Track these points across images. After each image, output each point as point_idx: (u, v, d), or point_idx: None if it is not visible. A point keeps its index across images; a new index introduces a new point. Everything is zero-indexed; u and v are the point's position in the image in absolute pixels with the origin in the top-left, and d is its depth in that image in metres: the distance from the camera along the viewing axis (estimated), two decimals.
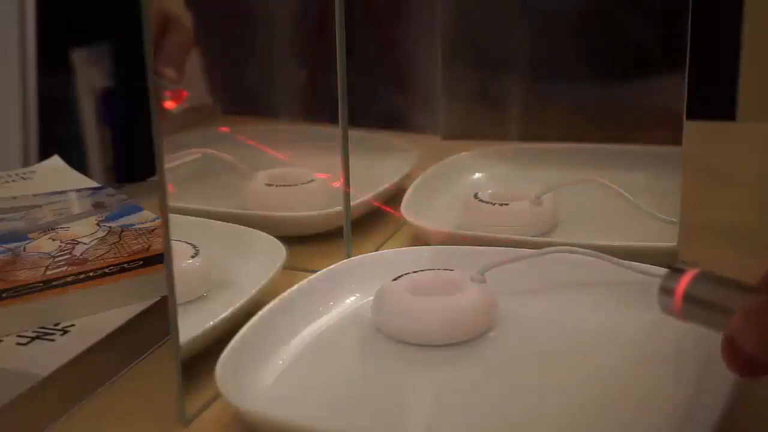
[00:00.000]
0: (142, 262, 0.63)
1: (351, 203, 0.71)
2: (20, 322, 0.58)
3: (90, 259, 0.62)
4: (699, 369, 0.51)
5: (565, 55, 0.88)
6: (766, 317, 0.42)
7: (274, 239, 0.67)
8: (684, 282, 0.45)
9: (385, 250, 0.71)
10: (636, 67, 0.85)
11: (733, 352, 0.43)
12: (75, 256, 0.63)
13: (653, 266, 0.59)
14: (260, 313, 0.57)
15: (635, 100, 0.84)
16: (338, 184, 0.70)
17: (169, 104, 0.60)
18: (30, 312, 0.59)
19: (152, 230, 0.67)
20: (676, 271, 0.46)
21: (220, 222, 0.71)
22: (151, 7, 0.46)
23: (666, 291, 0.46)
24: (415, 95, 0.91)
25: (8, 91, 1.65)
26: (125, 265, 0.62)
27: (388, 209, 0.78)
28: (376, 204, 0.79)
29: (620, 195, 0.73)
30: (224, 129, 0.83)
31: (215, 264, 0.63)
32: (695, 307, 0.45)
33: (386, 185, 0.81)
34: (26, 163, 1.62)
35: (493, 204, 0.74)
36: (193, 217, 0.69)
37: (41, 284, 0.60)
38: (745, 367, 0.43)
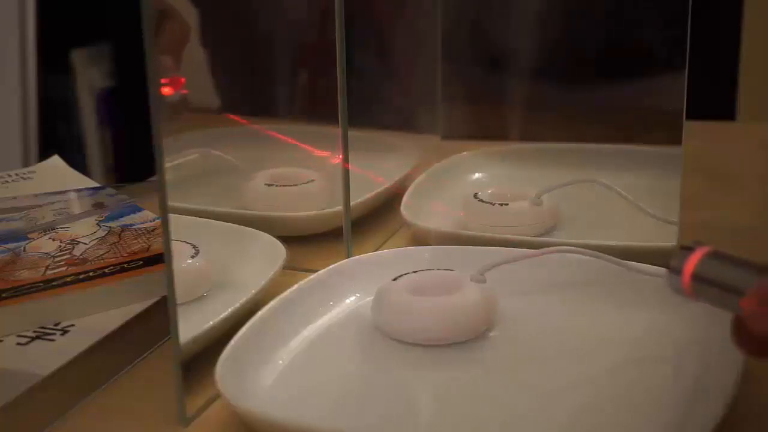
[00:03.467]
0: (142, 262, 0.63)
1: (351, 203, 0.71)
2: (20, 322, 0.58)
3: (90, 259, 0.62)
4: (699, 369, 0.51)
5: (565, 54, 0.88)
6: None
7: (274, 239, 0.67)
8: (693, 261, 0.44)
9: (385, 250, 0.71)
10: (636, 67, 0.85)
11: (743, 333, 0.42)
12: (75, 256, 0.63)
13: (653, 266, 0.59)
14: (260, 313, 0.57)
15: (635, 100, 0.83)
16: (338, 161, 0.70)
17: (166, 90, 0.61)
18: (30, 312, 0.58)
19: (152, 230, 0.67)
20: (686, 249, 0.45)
21: (220, 222, 0.71)
22: (151, 7, 0.46)
23: (675, 270, 0.45)
24: (415, 95, 0.91)
25: (8, 91, 1.65)
26: (125, 265, 0.62)
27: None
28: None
29: (620, 195, 0.73)
30: (224, 128, 0.82)
31: (215, 264, 0.63)
32: (705, 286, 0.44)
33: (386, 185, 0.81)
34: (26, 163, 1.62)
35: (493, 204, 0.74)
36: (193, 217, 0.69)
37: (41, 284, 0.60)
38: (755, 348, 0.42)
